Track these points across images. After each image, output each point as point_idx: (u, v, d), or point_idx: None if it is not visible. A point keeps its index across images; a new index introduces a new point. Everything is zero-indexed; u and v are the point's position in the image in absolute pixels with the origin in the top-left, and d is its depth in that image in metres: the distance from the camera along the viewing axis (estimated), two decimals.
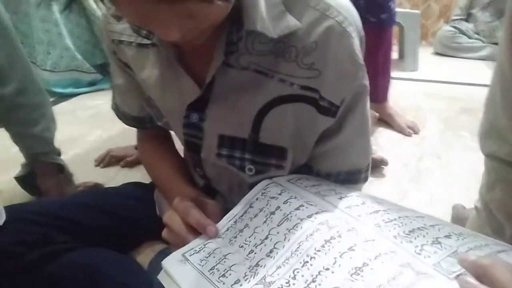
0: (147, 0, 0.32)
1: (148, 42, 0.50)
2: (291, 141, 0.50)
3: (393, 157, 1.22)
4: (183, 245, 0.45)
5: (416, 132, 1.46)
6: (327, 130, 0.49)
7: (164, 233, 0.49)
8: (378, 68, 1.41)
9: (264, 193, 0.49)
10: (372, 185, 1.08)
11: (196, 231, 0.46)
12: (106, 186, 1.01)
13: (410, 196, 1.04)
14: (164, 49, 0.48)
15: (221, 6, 0.35)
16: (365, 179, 0.56)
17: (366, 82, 0.47)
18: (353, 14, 0.45)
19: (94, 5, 1.80)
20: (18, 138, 0.88)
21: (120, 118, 0.67)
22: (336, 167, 0.53)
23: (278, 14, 0.43)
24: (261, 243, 0.42)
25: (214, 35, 0.43)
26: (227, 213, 0.48)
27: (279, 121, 0.48)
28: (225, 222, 0.47)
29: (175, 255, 0.44)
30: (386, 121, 1.51)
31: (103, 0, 0.39)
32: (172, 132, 0.63)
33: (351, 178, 0.54)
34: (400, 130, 1.46)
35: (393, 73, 1.53)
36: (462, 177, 1.13)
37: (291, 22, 0.43)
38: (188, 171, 0.64)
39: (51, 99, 1.70)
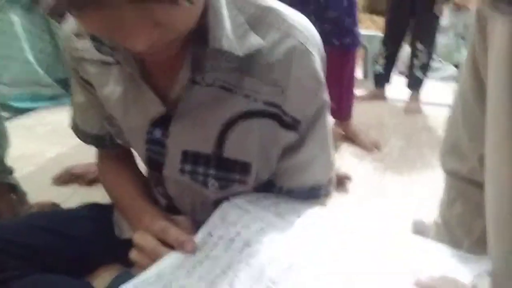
0: (113, 7, 0.31)
1: (111, 60, 0.50)
2: (255, 156, 0.50)
3: (357, 173, 1.25)
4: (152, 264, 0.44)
5: (378, 149, 1.51)
6: (290, 146, 0.50)
7: (133, 254, 0.48)
8: (343, 88, 1.45)
9: (224, 218, 0.48)
10: (335, 201, 1.09)
11: (169, 250, 0.46)
12: (63, 205, 0.97)
13: (372, 211, 1.06)
14: (128, 66, 0.47)
15: (187, 11, 0.35)
16: (327, 195, 0.56)
17: (327, 98, 0.49)
18: (314, 34, 0.47)
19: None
20: None
21: (79, 137, 0.65)
22: (298, 183, 0.53)
23: (242, 33, 0.44)
24: (222, 273, 0.41)
25: (179, 52, 0.43)
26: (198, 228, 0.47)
27: (243, 136, 0.48)
28: (172, 256, 0.45)
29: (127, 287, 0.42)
30: (350, 138, 1.55)
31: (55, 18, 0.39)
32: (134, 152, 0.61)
33: (312, 194, 0.54)
34: (363, 147, 1.50)
35: (358, 92, 1.58)
36: (423, 193, 1.17)
37: (256, 41, 0.44)
38: (150, 191, 0.62)
39: (7, 114, 1.63)
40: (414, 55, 2.04)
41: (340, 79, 1.44)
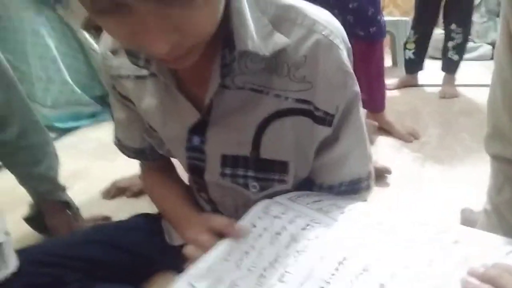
0: (132, 12, 0.32)
1: (146, 73, 0.52)
2: (292, 154, 0.51)
3: (396, 165, 1.23)
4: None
5: (416, 138, 1.47)
6: (325, 141, 0.51)
7: (188, 249, 0.50)
8: (372, 79, 1.43)
9: (267, 211, 0.49)
10: (376, 195, 1.08)
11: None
12: (114, 218, 1.02)
13: (416, 204, 1.04)
14: (162, 76, 0.49)
15: (206, 15, 0.36)
16: (368, 188, 0.56)
17: (357, 89, 0.49)
18: (338, 27, 0.47)
19: (90, 39, 1.84)
20: (22, 179, 0.89)
21: (122, 151, 0.69)
22: (337, 178, 0.54)
23: (267, 33, 0.45)
24: (270, 267, 0.41)
25: (208, 58, 0.45)
26: None
27: (278, 136, 0.49)
28: (221, 247, 0.47)
29: (181, 284, 0.44)
30: (385, 129, 1.52)
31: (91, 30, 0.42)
32: (175, 160, 0.64)
33: (353, 188, 0.55)
34: (400, 137, 1.47)
35: (388, 81, 1.54)
36: (467, 180, 1.13)
37: (281, 39, 0.45)
38: (194, 199, 0.65)
39: (53, 135, 1.72)
40: (448, 37, 1.94)
41: (368, 70, 1.42)
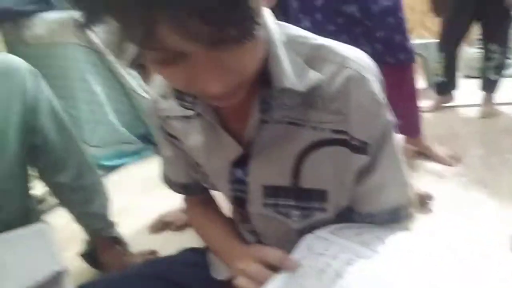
0: (184, 58, 0.36)
1: (192, 113, 0.56)
2: (330, 183, 0.53)
3: (438, 190, 1.20)
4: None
5: (458, 161, 1.43)
6: (363, 169, 0.52)
7: (240, 281, 0.52)
8: (406, 104, 1.42)
9: (310, 249, 0.50)
10: (420, 222, 1.05)
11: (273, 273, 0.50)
12: (160, 252, 1.06)
13: (463, 230, 1.01)
14: (206, 115, 0.53)
15: (252, 54, 0.40)
16: (408, 216, 0.56)
17: (391, 118, 0.51)
18: (368, 61, 0.50)
19: (132, 82, 1.97)
20: (77, 217, 0.96)
21: (170, 187, 0.73)
22: (377, 206, 0.54)
23: (301, 71, 0.48)
24: None
25: (248, 96, 0.48)
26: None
27: (317, 165, 0.52)
28: (275, 283, 0.48)
29: None
30: (424, 154, 1.49)
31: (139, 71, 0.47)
32: (216, 193, 0.67)
33: (393, 217, 0.55)
34: (440, 161, 1.44)
35: (423, 103, 1.53)
36: None
37: (314, 75, 0.48)
38: (237, 230, 0.68)
39: (100, 173, 1.82)
40: (487, 57, 1.91)
41: (401, 95, 1.42)
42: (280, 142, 0.52)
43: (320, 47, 0.49)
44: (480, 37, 1.97)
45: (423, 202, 1.14)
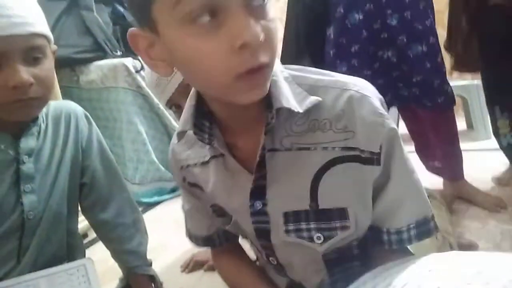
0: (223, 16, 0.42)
1: (208, 157, 0.60)
2: (349, 200, 0.54)
3: (483, 239, 1.13)
4: None
5: (503, 207, 1.35)
6: (379, 181, 0.54)
7: None
8: (446, 147, 1.39)
9: None
10: None
11: None
12: None
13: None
14: (221, 148, 0.57)
15: (275, 27, 0.45)
16: (437, 228, 0.56)
17: (394, 126, 0.53)
18: (367, 84, 0.55)
19: (173, 122, 2.08)
20: (115, 253, 1.00)
21: (192, 241, 0.75)
22: (403, 220, 0.55)
23: (302, 98, 0.53)
24: None
25: (256, 131, 0.52)
26: None
27: (333, 184, 0.53)
28: None
29: None
30: (467, 199, 1.42)
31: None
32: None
33: (423, 230, 0.55)
34: (484, 207, 1.37)
35: (465, 146, 1.48)
36: None
37: (313, 98, 0.52)
38: (267, 277, 0.68)
39: (140, 209, 1.90)
40: None
41: (441, 138, 1.39)
42: (293, 168, 0.54)
43: (320, 78, 0.54)
44: None
45: (467, 251, 1.08)
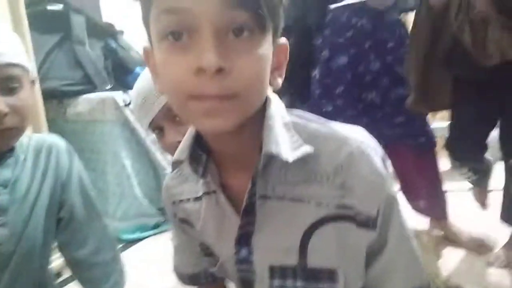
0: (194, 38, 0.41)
1: (201, 193, 0.58)
2: (340, 261, 0.51)
3: (470, 282, 1.12)
4: None
5: (490, 249, 1.35)
6: (374, 245, 0.51)
7: None
8: (430, 186, 1.40)
9: None
10: None
11: None
12: None
13: None
14: (213, 180, 0.54)
15: (255, 61, 0.43)
16: None
17: (394, 190, 0.51)
18: (368, 139, 0.52)
19: (159, 156, 2.06)
20: None
21: (178, 278, 0.73)
22: (398, 287, 0.52)
23: (297, 146, 0.50)
24: None
25: (249, 171, 0.50)
26: None
27: (324, 243, 0.51)
28: None
29: None
30: (453, 239, 1.42)
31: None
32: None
33: None
34: (470, 248, 1.36)
35: (450, 185, 1.49)
36: None
37: (305, 148, 0.49)
38: None
39: (120, 246, 1.83)
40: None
41: (424, 178, 1.41)
42: (284, 219, 0.52)
43: (321, 128, 0.52)
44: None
45: None
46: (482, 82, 1.13)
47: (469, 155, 1.32)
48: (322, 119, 0.54)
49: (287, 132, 0.51)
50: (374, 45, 1.25)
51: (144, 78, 0.89)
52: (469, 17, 1.01)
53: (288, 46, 0.51)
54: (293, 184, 0.51)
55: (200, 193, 0.58)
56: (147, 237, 1.99)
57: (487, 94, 1.15)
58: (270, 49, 0.46)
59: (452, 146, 1.34)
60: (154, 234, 2.01)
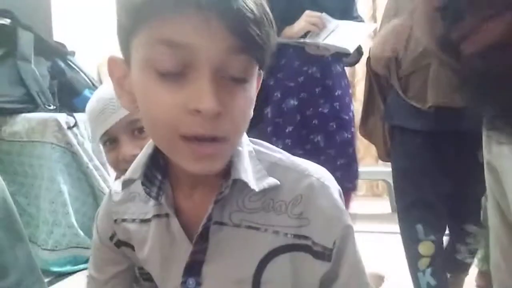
0: (191, 79, 0.40)
1: (151, 216, 0.55)
2: None
3: None
4: None
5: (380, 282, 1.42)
6: (325, 279, 0.51)
7: None
8: None
9: None
10: None
11: None
12: None
13: None
14: (167, 205, 0.52)
15: (246, 102, 0.44)
16: None
17: (351, 223, 0.52)
18: (327, 173, 0.54)
19: (102, 183, 1.96)
20: None
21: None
22: None
23: (261, 176, 0.50)
24: None
25: (208, 197, 0.49)
26: None
27: (279, 274, 0.50)
28: None
29: None
30: None
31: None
32: None
33: None
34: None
35: (389, 227, 1.56)
36: None
37: (271, 180, 0.50)
38: None
39: (47, 279, 1.68)
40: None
41: None
42: (238, 248, 0.51)
43: (283, 158, 0.53)
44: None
45: None
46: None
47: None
48: (281, 151, 0.55)
49: (251, 160, 0.51)
50: (322, 91, 1.35)
51: (106, 87, 0.87)
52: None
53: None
54: (250, 212, 0.50)
55: (150, 215, 0.55)
56: (79, 270, 1.85)
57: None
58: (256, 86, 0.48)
59: None
60: (86, 268, 1.87)
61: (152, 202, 0.55)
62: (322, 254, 0.50)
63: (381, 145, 1.27)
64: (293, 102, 1.34)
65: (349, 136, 1.38)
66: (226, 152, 0.46)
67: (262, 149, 0.54)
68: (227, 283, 0.52)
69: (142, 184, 0.51)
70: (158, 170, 0.52)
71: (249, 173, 0.49)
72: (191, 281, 0.52)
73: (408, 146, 1.14)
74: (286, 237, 0.50)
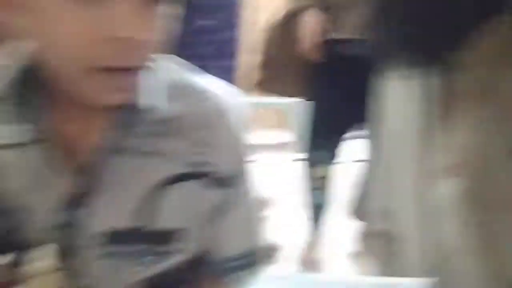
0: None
1: (17, 141, 0.46)
2: (189, 221, 0.50)
3: None
4: None
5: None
6: (218, 207, 0.51)
7: None
8: None
9: None
10: None
11: None
12: None
13: None
14: (46, 130, 0.45)
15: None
16: (264, 260, 0.57)
17: (249, 154, 0.53)
18: (234, 95, 0.52)
19: None
20: None
21: None
22: (232, 248, 0.54)
23: (159, 99, 0.46)
24: None
25: (98, 118, 0.44)
26: None
27: (174, 202, 0.49)
28: None
29: None
30: None
31: None
32: None
33: (249, 261, 0.55)
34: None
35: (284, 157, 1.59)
36: None
37: (171, 105, 0.47)
38: None
39: None
40: None
41: None
42: (132, 176, 0.47)
43: (185, 80, 0.50)
44: None
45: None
46: None
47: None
48: (192, 70, 0.52)
49: (150, 81, 0.46)
50: None
51: None
52: None
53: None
54: (145, 136, 0.47)
55: (17, 140, 0.47)
56: None
57: None
58: None
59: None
60: None
61: (23, 125, 0.45)
62: (220, 181, 0.50)
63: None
64: None
65: None
66: (139, 81, 0.43)
67: (165, 65, 0.50)
68: (116, 215, 0.48)
69: (13, 104, 0.44)
70: (38, 87, 0.44)
71: (151, 94, 0.46)
72: (74, 214, 0.47)
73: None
74: (183, 164, 0.48)
